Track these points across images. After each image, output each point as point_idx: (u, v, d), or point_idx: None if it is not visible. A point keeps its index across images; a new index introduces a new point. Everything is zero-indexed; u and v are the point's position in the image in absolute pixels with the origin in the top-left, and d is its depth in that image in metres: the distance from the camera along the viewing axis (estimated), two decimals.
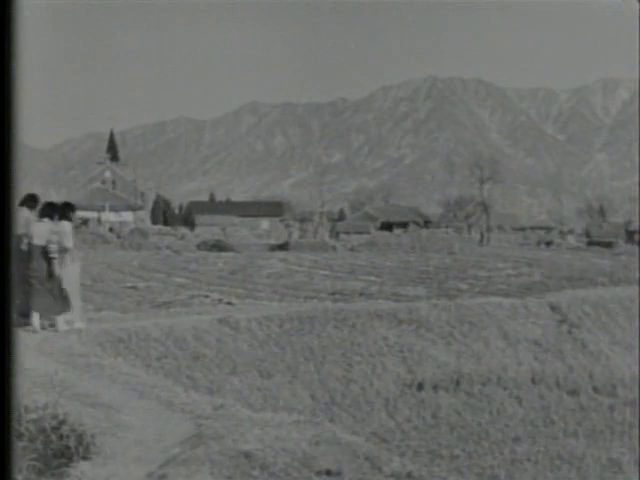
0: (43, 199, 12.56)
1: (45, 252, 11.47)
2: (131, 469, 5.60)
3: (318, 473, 5.55)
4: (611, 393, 12.85)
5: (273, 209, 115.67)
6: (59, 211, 11.87)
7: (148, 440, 6.33)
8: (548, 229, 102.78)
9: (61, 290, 11.54)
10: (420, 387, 12.61)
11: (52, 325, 11.71)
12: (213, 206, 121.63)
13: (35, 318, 11.41)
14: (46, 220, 11.64)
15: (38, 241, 11.48)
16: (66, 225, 11.77)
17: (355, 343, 13.75)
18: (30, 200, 11.93)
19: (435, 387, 12.59)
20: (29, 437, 5.61)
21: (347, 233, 74.34)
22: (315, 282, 26.63)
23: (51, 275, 11.50)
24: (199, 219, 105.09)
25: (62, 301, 11.56)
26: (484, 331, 15.63)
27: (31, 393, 6.77)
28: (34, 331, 11.27)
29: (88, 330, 11.82)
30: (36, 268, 11.43)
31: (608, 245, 56.95)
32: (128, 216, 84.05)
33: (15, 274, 8.77)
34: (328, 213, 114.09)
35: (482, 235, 69.69)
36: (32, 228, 11.50)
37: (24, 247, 11.45)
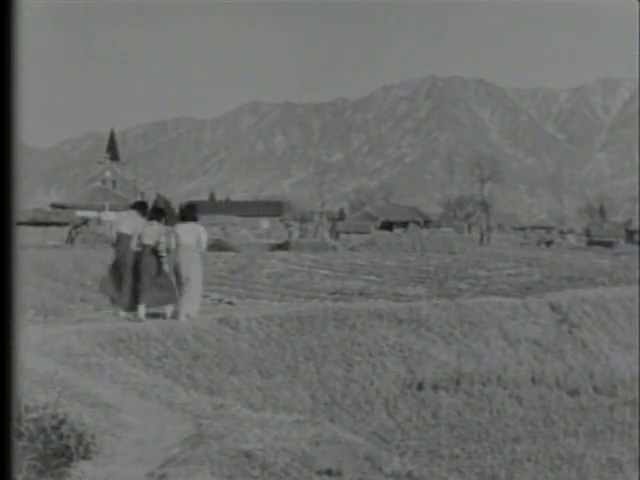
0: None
1: (155, 251, 12.79)
2: (131, 469, 5.60)
3: (318, 473, 5.54)
4: (611, 393, 12.83)
5: (273, 209, 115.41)
6: (164, 214, 13.48)
7: (148, 440, 6.33)
8: (548, 229, 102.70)
9: (169, 284, 12.83)
10: (420, 387, 12.60)
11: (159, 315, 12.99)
12: (213, 206, 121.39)
13: (141, 309, 12.74)
14: (154, 223, 13.01)
15: (148, 241, 12.80)
16: (198, 226, 13.50)
17: (355, 343, 13.74)
18: (140, 205, 13.56)
19: (435, 387, 12.57)
20: (29, 437, 5.61)
21: (347, 233, 74.12)
22: (315, 282, 26.62)
23: (160, 271, 12.83)
24: (199, 219, 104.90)
25: (169, 294, 12.84)
26: (484, 331, 15.62)
27: (31, 393, 6.76)
28: (139, 320, 12.53)
29: (89, 330, 11.83)
30: (146, 265, 12.74)
31: (608, 245, 56.95)
32: None
33: (127, 271, 11.49)
34: (328, 213, 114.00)
35: (482, 235, 69.57)
36: (143, 230, 12.87)
37: (134, 247, 12.83)
